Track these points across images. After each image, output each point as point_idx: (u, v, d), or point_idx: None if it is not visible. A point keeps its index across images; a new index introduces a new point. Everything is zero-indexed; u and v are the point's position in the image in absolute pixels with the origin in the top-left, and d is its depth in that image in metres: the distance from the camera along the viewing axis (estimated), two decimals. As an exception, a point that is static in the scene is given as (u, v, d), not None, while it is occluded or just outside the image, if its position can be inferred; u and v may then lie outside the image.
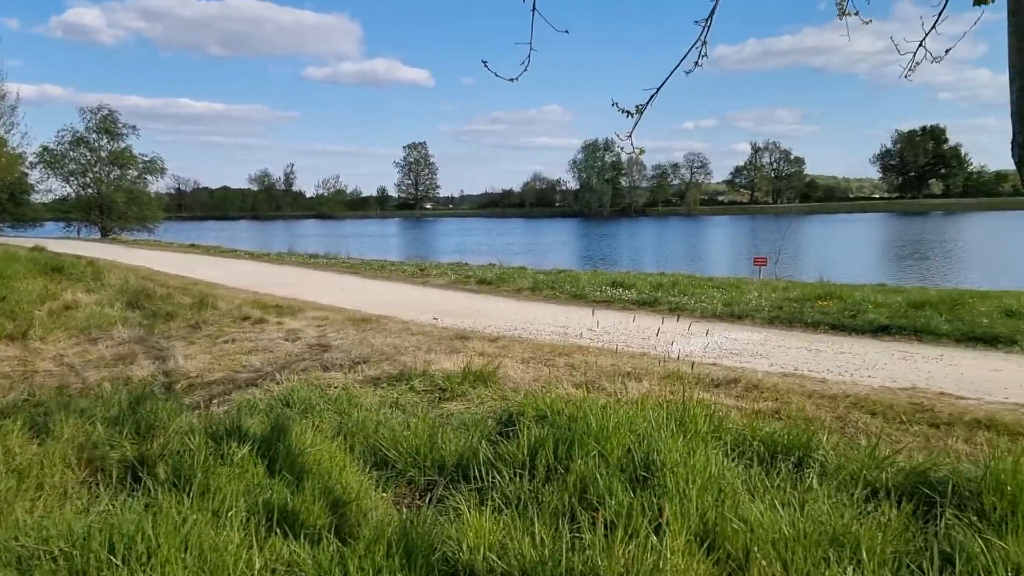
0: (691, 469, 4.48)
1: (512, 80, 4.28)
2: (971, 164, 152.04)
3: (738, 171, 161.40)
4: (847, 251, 49.97)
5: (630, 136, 4.85)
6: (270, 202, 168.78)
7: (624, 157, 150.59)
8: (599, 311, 13.02)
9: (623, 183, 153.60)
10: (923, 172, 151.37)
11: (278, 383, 7.92)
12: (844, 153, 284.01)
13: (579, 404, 5.66)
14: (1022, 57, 1.93)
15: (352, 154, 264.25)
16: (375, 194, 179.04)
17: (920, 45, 4.60)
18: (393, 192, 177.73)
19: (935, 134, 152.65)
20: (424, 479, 5.21)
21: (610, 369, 7.93)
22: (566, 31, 4.36)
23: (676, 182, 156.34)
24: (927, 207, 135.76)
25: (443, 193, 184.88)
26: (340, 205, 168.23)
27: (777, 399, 6.65)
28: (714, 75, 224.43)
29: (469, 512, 4.34)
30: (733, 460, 4.87)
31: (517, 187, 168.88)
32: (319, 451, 5.44)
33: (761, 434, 5.05)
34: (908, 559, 3.83)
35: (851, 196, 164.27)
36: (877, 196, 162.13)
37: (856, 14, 4.95)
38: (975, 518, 4.10)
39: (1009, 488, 4.22)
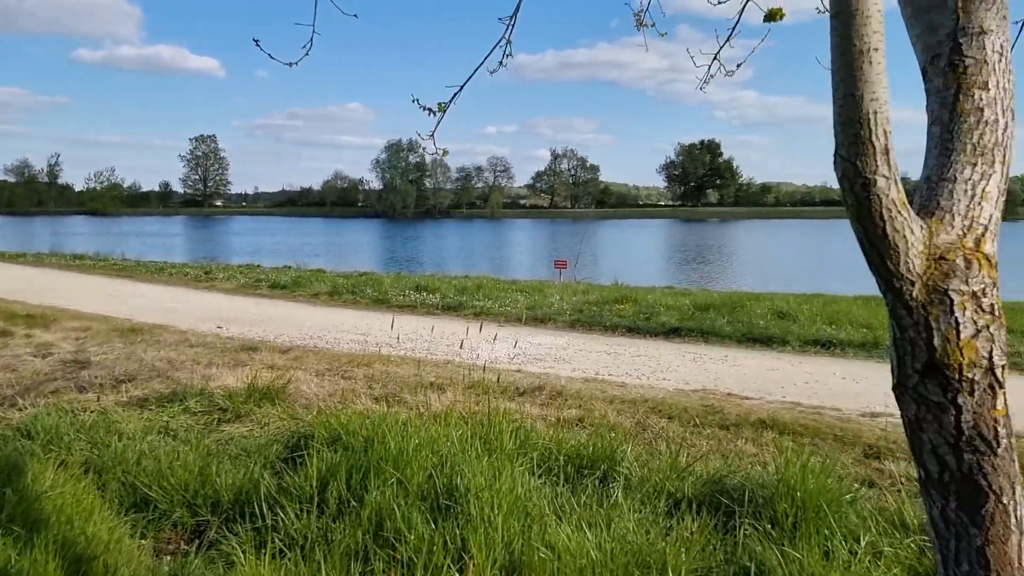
0: (497, 493, 4.15)
1: (291, 65, 3.72)
2: (741, 176, 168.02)
3: (539, 176, 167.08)
4: (638, 255, 52.98)
5: (432, 135, 4.45)
6: (30, 196, 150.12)
7: (428, 157, 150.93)
8: (402, 316, 12.54)
9: (428, 184, 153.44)
10: (702, 183, 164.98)
11: (19, 409, 6.70)
12: (634, 162, 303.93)
13: (377, 423, 5.16)
14: (845, 63, 1.70)
15: (130, 146, 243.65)
16: (157, 189, 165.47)
17: (715, 58, 4.60)
18: (178, 188, 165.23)
19: (711, 148, 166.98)
20: (194, 520, 4.48)
21: (412, 380, 7.50)
22: (355, 15, 3.87)
23: (480, 185, 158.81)
24: (705, 214, 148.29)
25: (235, 190, 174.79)
26: (115, 201, 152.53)
27: (581, 406, 6.54)
28: (515, 83, 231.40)
29: (244, 558, 3.73)
30: (540, 478, 4.61)
31: (317, 185, 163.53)
32: (62, 494, 4.53)
33: (567, 448, 4.84)
34: (713, 574, 3.74)
35: (640, 203, 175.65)
36: (663, 203, 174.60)
37: (653, 25, 4.88)
38: (769, 526, 4.10)
39: (799, 495, 4.27)
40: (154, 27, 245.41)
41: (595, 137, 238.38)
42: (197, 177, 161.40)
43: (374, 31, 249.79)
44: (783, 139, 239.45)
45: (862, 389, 7.43)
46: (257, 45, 3.33)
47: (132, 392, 7.04)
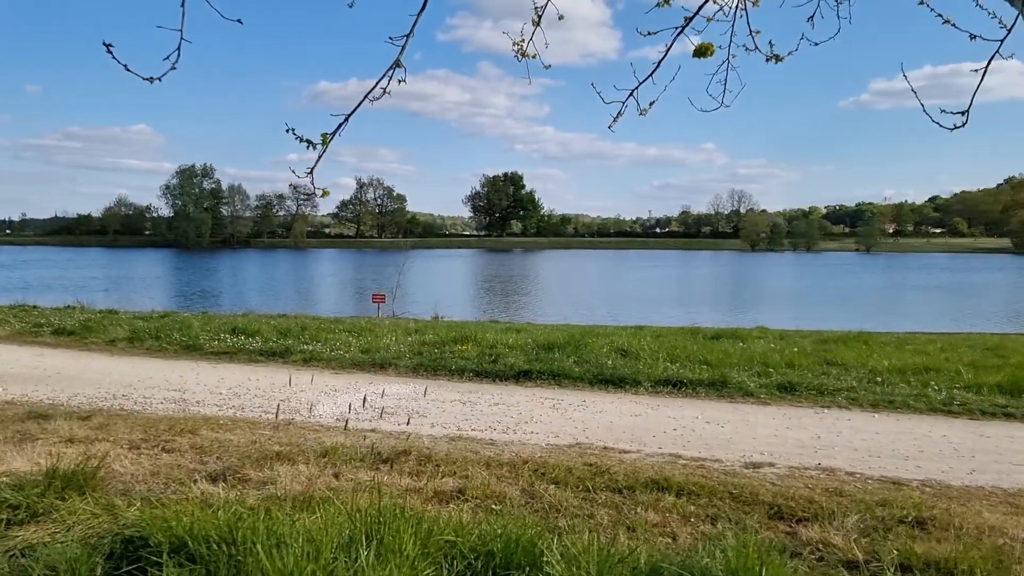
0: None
1: (153, 81, 2.85)
2: (543, 208, 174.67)
3: (344, 205, 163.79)
4: (453, 285, 52.92)
5: (311, 172, 3.70)
6: None
7: (226, 184, 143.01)
8: (220, 366, 11.23)
9: (224, 212, 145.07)
10: (506, 213, 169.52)
11: None
12: (439, 192, 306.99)
13: (233, 522, 4.20)
14: None
15: None
16: None
17: (630, 95, 4.23)
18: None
19: (514, 180, 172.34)
20: None
21: (252, 449, 6.46)
22: (238, 20, 3.07)
23: (282, 213, 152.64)
24: (510, 244, 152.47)
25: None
26: None
27: (456, 473, 5.87)
28: (316, 110, 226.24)
29: None
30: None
31: (97, 212, 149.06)
32: None
33: (472, 540, 4.15)
34: None
35: (446, 232, 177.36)
36: (468, 233, 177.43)
37: (535, 56, 4.41)
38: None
39: None
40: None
41: (399, 167, 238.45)
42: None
43: (163, 50, 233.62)
44: (577, 173, 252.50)
45: (729, 434, 7.38)
46: (109, 52, 2.45)
47: None
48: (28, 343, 13.33)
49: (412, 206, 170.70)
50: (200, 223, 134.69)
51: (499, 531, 4.16)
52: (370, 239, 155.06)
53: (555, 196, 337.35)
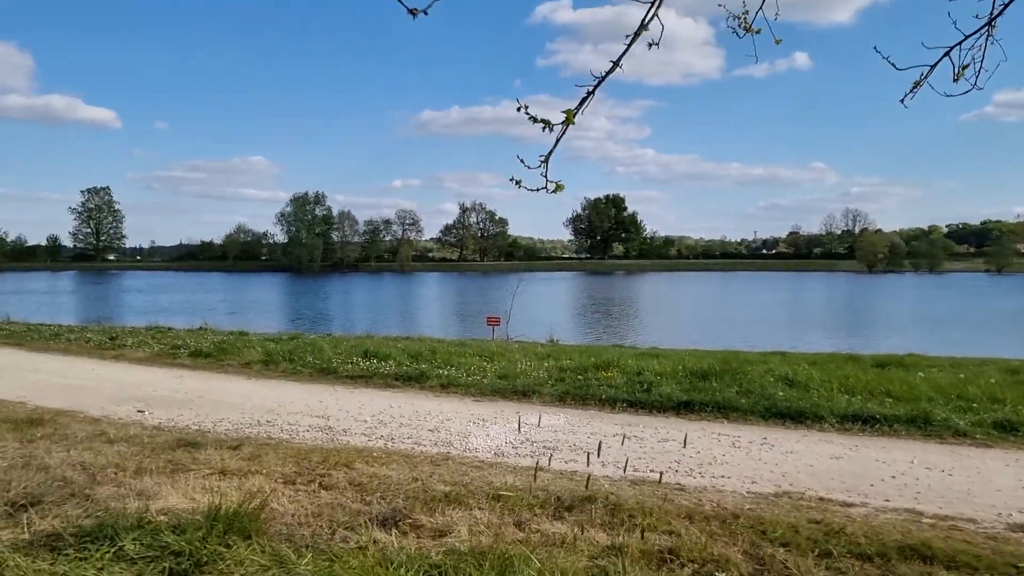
0: None
1: (415, 14, 2.20)
2: (645, 230, 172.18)
3: (447, 229, 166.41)
4: (562, 308, 52.17)
5: (547, 160, 2.99)
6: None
7: (336, 210, 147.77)
8: (357, 391, 10.80)
9: (334, 237, 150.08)
10: (607, 236, 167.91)
11: None
12: (539, 216, 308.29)
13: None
14: None
15: (15, 199, 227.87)
16: (45, 243, 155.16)
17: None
18: (68, 242, 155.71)
19: (616, 202, 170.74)
20: None
21: (415, 488, 5.81)
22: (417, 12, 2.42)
23: (388, 238, 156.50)
24: (611, 267, 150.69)
25: (130, 244, 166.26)
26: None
27: (657, 527, 5.01)
28: (421, 138, 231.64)
29: None
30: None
31: (218, 239, 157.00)
32: None
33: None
34: None
35: (546, 256, 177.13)
36: (567, 256, 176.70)
37: (759, 31, 3.59)
38: None
39: None
40: (47, 75, 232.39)
41: (500, 191, 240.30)
42: (89, 231, 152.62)
43: (278, 82, 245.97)
44: (678, 194, 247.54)
45: (963, 485, 6.22)
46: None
47: (37, 525, 5.06)
48: (168, 364, 13.37)
49: (512, 230, 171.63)
50: (312, 248, 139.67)
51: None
52: (472, 262, 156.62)
53: (656, 218, 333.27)
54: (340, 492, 5.80)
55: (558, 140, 2.88)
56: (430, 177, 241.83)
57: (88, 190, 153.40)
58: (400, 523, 5.06)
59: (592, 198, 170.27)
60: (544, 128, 2.84)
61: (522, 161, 2.96)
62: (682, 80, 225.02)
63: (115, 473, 6.19)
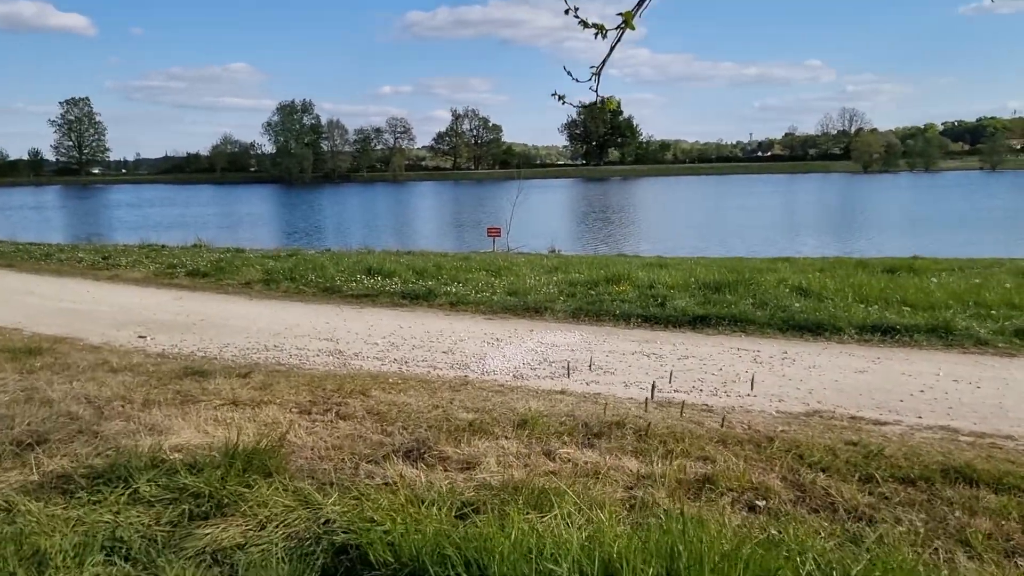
0: None
1: None
2: (641, 135, 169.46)
3: (440, 137, 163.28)
4: (560, 217, 51.68)
5: (599, 72, 2.62)
6: None
7: (325, 119, 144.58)
8: (365, 311, 10.57)
9: (324, 147, 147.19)
10: (603, 141, 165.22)
11: None
12: (532, 121, 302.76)
13: (473, 536, 3.32)
14: None
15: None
16: (27, 158, 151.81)
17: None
18: (50, 156, 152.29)
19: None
20: None
21: (437, 416, 5.63)
22: None
23: (380, 147, 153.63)
24: (608, 173, 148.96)
25: (114, 157, 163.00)
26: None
27: (690, 452, 4.84)
28: (408, 41, 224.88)
29: None
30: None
31: (205, 150, 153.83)
32: None
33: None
34: None
35: (541, 163, 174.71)
36: (562, 163, 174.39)
37: None
38: None
39: None
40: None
41: (491, 96, 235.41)
42: (71, 143, 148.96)
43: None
44: (673, 97, 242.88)
45: (995, 398, 6.06)
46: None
47: (47, 465, 4.86)
48: (165, 285, 13.08)
49: (506, 137, 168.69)
50: (302, 159, 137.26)
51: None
52: (467, 171, 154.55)
53: (651, 122, 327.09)
54: (359, 422, 5.62)
55: (612, 48, 2.50)
56: (419, 83, 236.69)
57: (67, 101, 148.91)
58: (425, 455, 4.88)
59: (587, 102, 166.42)
60: (597, 34, 2.45)
61: (569, 73, 2.59)
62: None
63: (123, 406, 5.98)
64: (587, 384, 6.70)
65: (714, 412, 5.78)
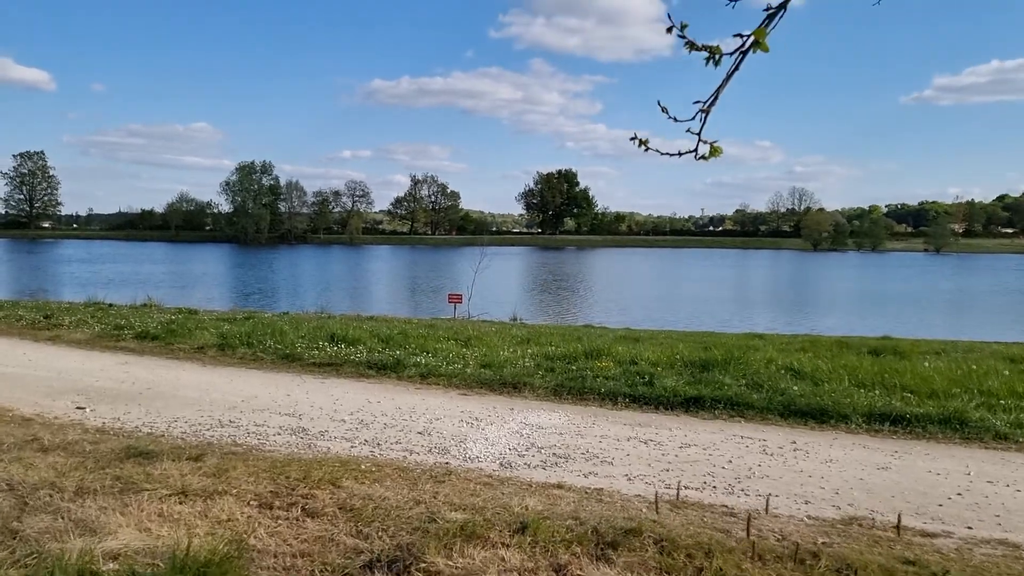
0: None
1: None
2: (597, 205, 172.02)
3: (398, 202, 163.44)
4: (518, 284, 51.30)
5: (707, 111, 2.03)
6: None
7: (284, 181, 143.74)
8: (329, 380, 9.78)
9: (282, 208, 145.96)
10: (560, 210, 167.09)
11: None
12: (489, 190, 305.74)
13: None
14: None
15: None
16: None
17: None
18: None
19: (568, 177, 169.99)
20: None
21: (420, 515, 4.87)
22: None
23: (337, 210, 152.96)
24: (564, 242, 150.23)
25: (67, 211, 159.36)
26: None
27: (724, 572, 4.17)
28: (370, 107, 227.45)
29: None
30: None
31: (160, 207, 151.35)
32: None
33: None
34: None
35: (497, 229, 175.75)
36: (517, 231, 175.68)
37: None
38: None
39: None
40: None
41: (450, 164, 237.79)
42: (21, 196, 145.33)
43: (222, 46, 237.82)
44: (628, 170, 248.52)
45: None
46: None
47: (-53, 578, 3.99)
48: (110, 348, 12.09)
49: (463, 203, 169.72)
50: (259, 219, 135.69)
51: None
52: (424, 236, 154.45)
53: (606, 194, 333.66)
54: (329, 521, 4.83)
55: (729, 77, 1.93)
56: (379, 148, 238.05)
57: (21, 154, 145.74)
58: (412, 568, 4.13)
59: (545, 172, 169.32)
60: (709, 60, 1.89)
61: (664, 110, 2.02)
62: (634, 56, 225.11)
63: (51, 495, 5.10)
64: (585, 476, 6.01)
65: (736, 516, 5.12)
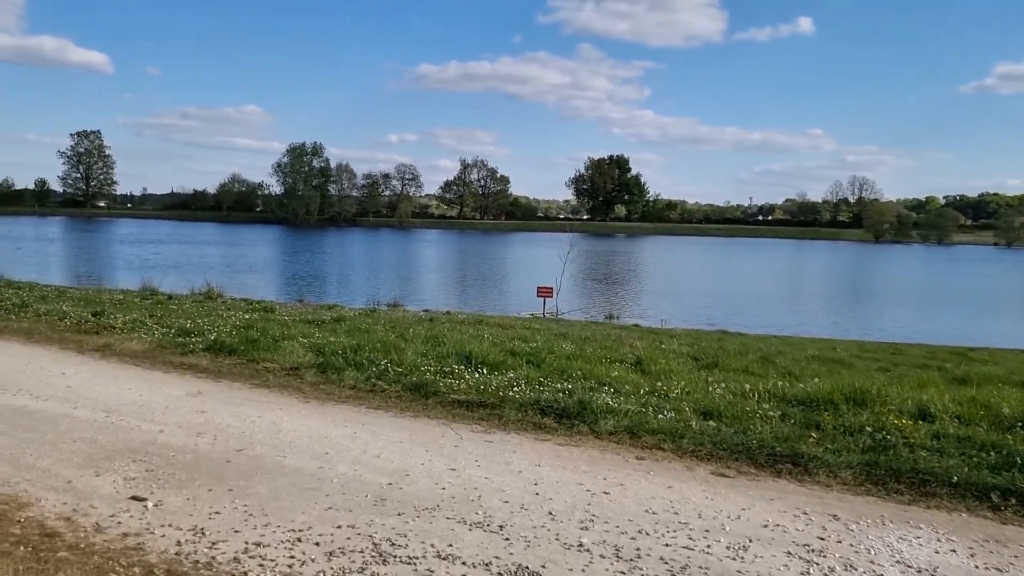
0: None
1: None
2: (648, 192, 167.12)
3: (448, 186, 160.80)
4: (584, 275, 47.76)
5: None
6: None
7: (334, 163, 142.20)
8: (495, 436, 6.59)
9: (332, 191, 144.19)
10: (610, 197, 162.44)
11: None
12: (534, 175, 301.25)
13: None
14: None
15: (1, 140, 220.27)
16: (32, 187, 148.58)
17: None
18: (57, 186, 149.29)
19: (620, 163, 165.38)
20: None
21: None
22: None
23: (387, 193, 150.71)
24: (614, 228, 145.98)
25: (121, 190, 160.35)
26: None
27: None
28: (417, 92, 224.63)
29: None
30: None
31: (212, 188, 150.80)
32: None
33: None
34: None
35: (542, 215, 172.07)
36: (563, 217, 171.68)
37: None
38: None
39: None
40: (37, 16, 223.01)
41: (495, 149, 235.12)
42: (79, 175, 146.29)
43: (272, 31, 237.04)
44: (675, 158, 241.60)
45: None
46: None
47: None
48: (176, 366, 9.09)
49: (510, 188, 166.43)
50: (309, 201, 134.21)
51: None
52: (473, 220, 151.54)
53: (651, 181, 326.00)
54: None
55: None
56: (425, 132, 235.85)
57: (78, 134, 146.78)
58: None
59: (596, 158, 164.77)
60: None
61: None
62: (683, 42, 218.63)
63: None
64: None
65: None
